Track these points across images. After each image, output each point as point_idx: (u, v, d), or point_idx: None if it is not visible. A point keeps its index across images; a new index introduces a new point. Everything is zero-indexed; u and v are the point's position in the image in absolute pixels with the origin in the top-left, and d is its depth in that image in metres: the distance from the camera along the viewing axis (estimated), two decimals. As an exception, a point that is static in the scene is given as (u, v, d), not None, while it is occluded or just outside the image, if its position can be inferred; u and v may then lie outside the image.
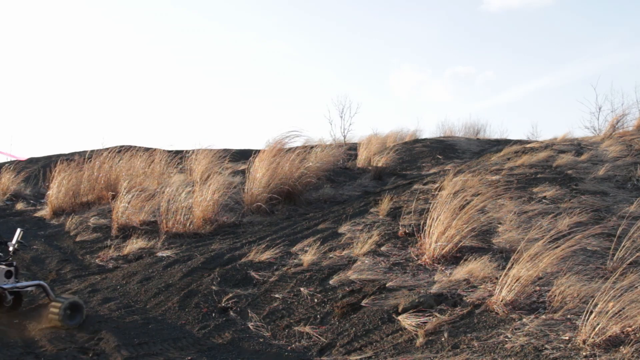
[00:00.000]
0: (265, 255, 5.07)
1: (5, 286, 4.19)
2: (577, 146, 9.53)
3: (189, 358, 3.42)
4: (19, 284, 4.28)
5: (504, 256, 4.54)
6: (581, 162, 8.14)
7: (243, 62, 36.16)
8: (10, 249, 4.44)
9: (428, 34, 36.70)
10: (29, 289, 4.38)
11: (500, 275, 3.72)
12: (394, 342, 3.35)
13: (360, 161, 11.71)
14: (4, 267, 4.19)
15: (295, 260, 4.97)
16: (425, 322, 3.45)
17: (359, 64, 36.59)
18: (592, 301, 3.05)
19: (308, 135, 11.71)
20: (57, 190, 8.61)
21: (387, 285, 4.11)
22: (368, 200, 7.29)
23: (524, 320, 3.28)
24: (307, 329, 3.69)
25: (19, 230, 4.57)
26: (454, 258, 4.56)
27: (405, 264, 4.60)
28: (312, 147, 10.34)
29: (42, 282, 4.36)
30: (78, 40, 36.24)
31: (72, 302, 4.16)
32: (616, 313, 2.88)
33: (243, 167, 10.49)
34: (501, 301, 3.52)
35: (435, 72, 38.66)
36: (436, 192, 6.85)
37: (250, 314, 4.05)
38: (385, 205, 6.32)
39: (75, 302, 4.19)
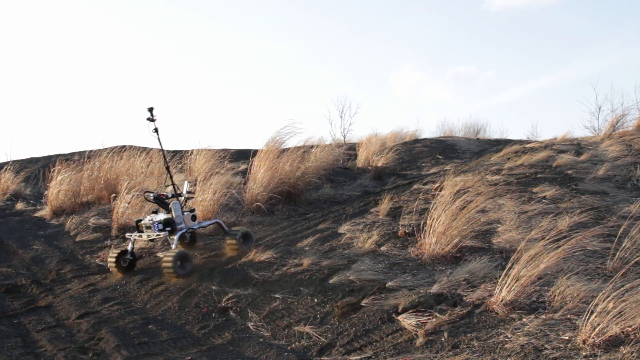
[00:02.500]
0: (265, 255, 5.07)
1: (194, 227, 5.39)
2: (577, 146, 9.53)
3: (189, 358, 3.42)
4: (202, 224, 5.52)
5: (504, 256, 4.55)
6: (581, 162, 8.14)
7: (243, 62, 36.18)
8: (182, 198, 5.45)
9: (429, 33, 36.72)
10: (209, 226, 5.75)
11: (500, 275, 3.72)
12: (394, 342, 3.35)
13: (360, 161, 11.71)
14: (188, 213, 5.37)
15: (295, 260, 4.97)
16: (425, 322, 3.45)
17: (360, 64, 36.61)
18: (593, 301, 3.05)
19: (305, 130, 11.71)
20: (56, 190, 8.61)
21: (387, 285, 4.11)
22: (368, 200, 7.29)
23: (524, 320, 3.28)
24: (307, 329, 3.69)
25: (186, 182, 5.74)
26: (454, 258, 4.56)
27: (405, 264, 4.60)
28: (312, 147, 10.35)
29: (218, 220, 5.67)
30: (78, 40, 36.24)
31: (244, 232, 5.47)
32: (617, 313, 2.88)
33: (243, 167, 10.50)
34: (501, 301, 3.52)
35: (436, 72, 38.67)
36: (436, 192, 6.85)
37: (250, 314, 4.05)
38: (385, 205, 6.32)
39: (246, 231, 5.51)
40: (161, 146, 5.56)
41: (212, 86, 36.86)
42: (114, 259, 5.27)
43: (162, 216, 5.22)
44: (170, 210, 5.21)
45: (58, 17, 37.13)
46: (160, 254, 5.65)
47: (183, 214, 5.26)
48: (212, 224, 5.66)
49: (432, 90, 37.60)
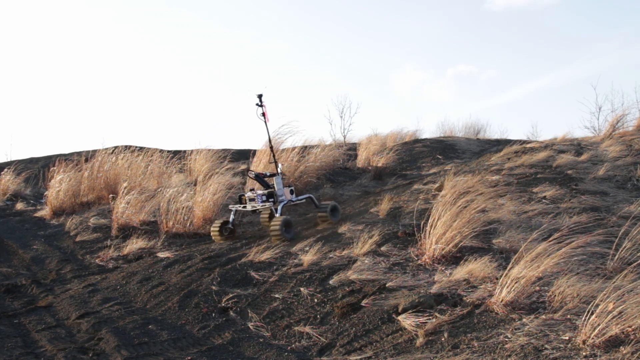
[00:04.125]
0: (265, 255, 5.07)
1: (293, 200, 6.27)
2: (577, 146, 9.53)
3: (189, 358, 3.42)
4: (299, 197, 6.39)
5: (504, 256, 4.54)
6: (581, 162, 8.14)
7: (243, 61, 36.16)
8: (279, 171, 6.32)
9: (430, 33, 36.67)
10: (303, 200, 6.47)
11: (501, 276, 3.72)
12: (394, 342, 3.35)
13: (360, 161, 11.71)
14: (287, 187, 6.26)
15: (295, 260, 4.97)
16: (425, 322, 3.45)
17: (360, 63, 36.59)
18: (593, 302, 3.05)
19: (304, 130, 11.73)
20: (56, 190, 8.61)
21: (387, 285, 4.11)
22: (368, 200, 7.29)
23: (524, 320, 3.28)
24: (307, 329, 3.69)
25: (280, 164, 6.44)
26: (454, 258, 4.56)
27: (405, 264, 4.60)
28: (311, 147, 10.35)
29: (311, 195, 6.49)
30: (78, 40, 36.23)
31: (332, 205, 6.30)
32: (617, 314, 2.88)
33: (243, 167, 10.50)
34: (501, 301, 3.52)
35: (437, 72, 38.63)
36: (436, 192, 6.85)
37: (250, 314, 4.05)
38: (385, 205, 6.32)
39: (334, 205, 6.36)
40: (267, 128, 6.43)
41: (212, 86, 36.86)
42: (217, 228, 6.09)
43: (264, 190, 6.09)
44: (272, 185, 6.16)
45: (58, 17, 37.13)
46: (263, 220, 6.65)
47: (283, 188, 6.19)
48: (306, 198, 6.47)
49: (433, 90, 37.59)
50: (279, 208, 5.93)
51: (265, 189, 6.11)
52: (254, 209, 6.07)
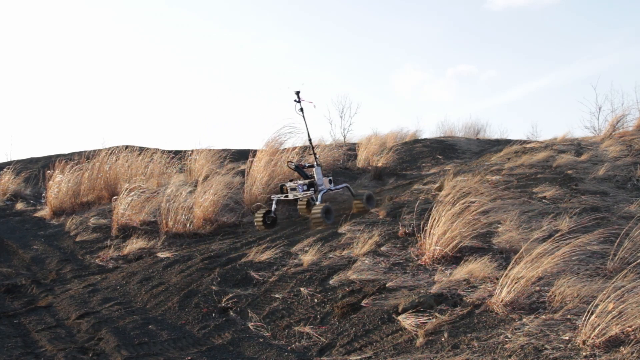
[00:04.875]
0: (265, 255, 5.07)
1: (332, 188, 6.66)
2: (577, 146, 9.53)
3: (189, 358, 3.42)
4: (337, 187, 6.79)
5: (504, 256, 4.54)
6: (581, 162, 8.14)
7: (243, 61, 36.15)
8: (317, 162, 6.72)
9: (431, 33, 36.68)
10: (341, 190, 6.90)
11: (501, 276, 3.72)
12: (394, 342, 3.35)
13: (360, 161, 11.71)
14: (325, 177, 6.66)
15: (295, 261, 4.97)
16: (425, 322, 3.45)
17: (360, 63, 36.59)
18: (593, 302, 3.04)
19: (302, 130, 11.72)
20: (56, 190, 8.61)
21: (387, 285, 4.11)
22: (368, 200, 7.29)
23: (524, 320, 3.28)
24: (307, 329, 3.69)
25: (317, 156, 6.95)
26: (454, 258, 4.56)
27: (405, 264, 4.60)
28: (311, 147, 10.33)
29: (347, 185, 6.96)
30: (78, 40, 36.24)
31: (368, 194, 6.72)
32: (617, 314, 2.88)
33: (243, 167, 10.49)
34: (501, 301, 3.52)
35: (437, 72, 38.63)
36: (436, 192, 6.85)
37: (250, 314, 4.05)
38: (385, 205, 6.31)
39: (369, 193, 6.76)
40: (305, 124, 6.90)
41: (212, 86, 36.86)
42: (260, 217, 6.46)
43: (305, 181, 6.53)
44: (312, 175, 6.62)
45: (58, 17, 37.14)
46: (301, 209, 6.97)
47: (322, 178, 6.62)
48: (343, 187, 6.92)
49: (433, 89, 37.59)
50: (319, 196, 6.34)
51: (305, 179, 6.58)
52: (296, 197, 6.53)
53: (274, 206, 6.65)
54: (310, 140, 6.90)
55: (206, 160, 10.14)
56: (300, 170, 6.65)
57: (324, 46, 37.72)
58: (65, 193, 8.63)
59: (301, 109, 6.66)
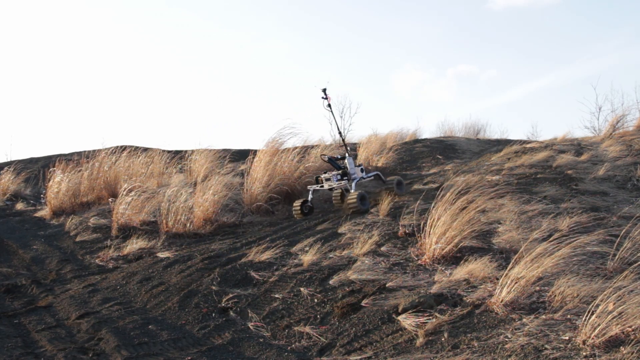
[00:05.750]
0: (265, 255, 5.07)
1: (364, 177, 7.18)
2: (577, 146, 9.53)
3: (189, 358, 3.42)
4: (368, 175, 7.33)
5: (504, 256, 4.54)
6: (581, 162, 8.13)
7: (243, 61, 36.15)
8: (349, 153, 7.19)
9: (431, 33, 36.65)
10: (372, 177, 7.43)
11: (501, 276, 3.72)
12: (394, 342, 3.35)
13: (360, 161, 11.70)
14: (358, 167, 7.12)
15: (295, 261, 4.97)
16: (425, 322, 3.45)
17: (360, 63, 36.57)
18: (594, 302, 3.04)
19: (304, 130, 11.76)
20: (56, 190, 8.61)
21: (387, 286, 4.11)
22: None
23: (524, 320, 3.28)
24: (307, 329, 3.69)
25: (348, 148, 7.49)
26: (454, 258, 4.56)
27: (405, 264, 4.60)
28: (311, 147, 10.35)
29: (378, 172, 7.49)
30: (78, 40, 36.23)
31: (398, 179, 7.18)
32: (617, 314, 2.88)
33: (243, 167, 10.49)
34: (501, 301, 3.52)
35: (438, 72, 38.63)
36: (436, 192, 6.85)
37: (250, 314, 4.05)
38: (385, 205, 6.32)
39: (399, 179, 7.21)
40: (334, 117, 7.46)
41: (212, 86, 36.86)
42: (298, 206, 6.91)
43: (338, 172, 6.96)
44: (345, 166, 7.02)
45: (58, 17, 37.12)
46: (335, 200, 7.27)
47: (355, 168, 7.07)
48: (374, 175, 7.44)
49: (433, 89, 37.59)
50: (353, 184, 6.77)
51: (338, 170, 7.00)
52: (331, 187, 6.96)
53: (310, 196, 7.08)
54: (340, 133, 7.37)
55: (206, 160, 10.14)
56: (333, 162, 7.07)
57: (324, 46, 37.72)
58: (65, 193, 8.63)
59: (329, 105, 7.14)
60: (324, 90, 7.11)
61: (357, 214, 6.31)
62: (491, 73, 37.83)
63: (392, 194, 6.93)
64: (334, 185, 6.87)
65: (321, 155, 7.51)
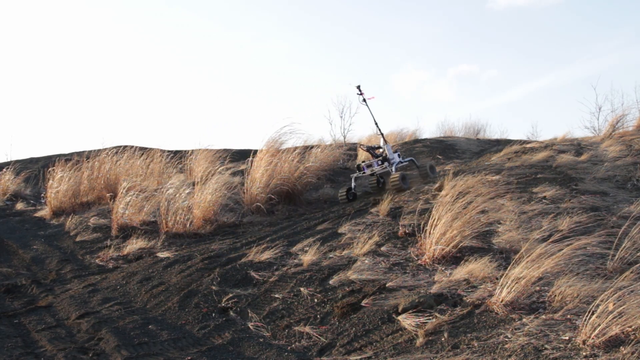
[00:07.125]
0: (265, 255, 5.07)
1: (402, 161, 8.01)
2: (577, 146, 9.52)
3: (189, 358, 3.42)
4: (405, 159, 8.21)
5: (504, 256, 4.54)
6: (581, 162, 8.13)
7: (243, 61, 36.15)
8: (384, 139, 8.23)
9: (431, 33, 36.65)
10: (407, 162, 8.25)
11: (501, 276, 3.72)
12: (394, 342, 3.35)
13: (360, 161, 11.69)
14: (396, 152, 8.04)
15: (295, 261, 4.97)
16: (425, 322, 3.45)
17: (360, 63, 36.55)
18: (594, 302, 3.04)
19: (305, 130, 11.82)
20: (56, 190, 8.61)
21: (387, 285, 4.11)
22: (368, 200, 7.28)
23: (524, 320, 3.28)
24: (307, 329, 3.69)
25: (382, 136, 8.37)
26: (454, 258, 4.56)
27: (405, 264, 4.60)
28: (311, 147, 10.35)
29: (412, 158, 8.45)
30: (78, 40, 36.23)
31: (430, 164, 8.09)
32: (617, 314, 2.88)
33: (243, 167, 10.49)
34: (501, 301, 3.52)
35: (439, 72, 38.61)
36: (436, 192, 6.84)
37: (250, 314, 4.05)
38: (385, 205, 6.32)
39: (431, 164, 8.15)
40: (370, 112, 8.11)
41: (212, 86, 36.87)
42: (344, 193, 7.65)
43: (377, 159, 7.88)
44: (383, 154, 7.83)
45: (58, 17, 37.13)
46: (372, 186, 8.08)
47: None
48: (409, 160, 8.32)
49: (433, 89, 37.58)
50: (394, 167, 7.65)
51: (375, 158, 7.83)
52: (373, 172, 7.81)
53: (353, 184, 7.81)
54: (376, 123, 8.15)
55: (206, 160, 10.14)
56: (372, 151, 7.90)
57: (324, 46, 37.72)
58: (65, 193, 8.62)
59: (364, 100, 7.92)
60: (359, 87, 7.87)
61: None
62: (492, 73, 37.85)
63: (427, 176, 7.77)
64: (377, 170, 7.70)
65: (359, 145, 8.48)
